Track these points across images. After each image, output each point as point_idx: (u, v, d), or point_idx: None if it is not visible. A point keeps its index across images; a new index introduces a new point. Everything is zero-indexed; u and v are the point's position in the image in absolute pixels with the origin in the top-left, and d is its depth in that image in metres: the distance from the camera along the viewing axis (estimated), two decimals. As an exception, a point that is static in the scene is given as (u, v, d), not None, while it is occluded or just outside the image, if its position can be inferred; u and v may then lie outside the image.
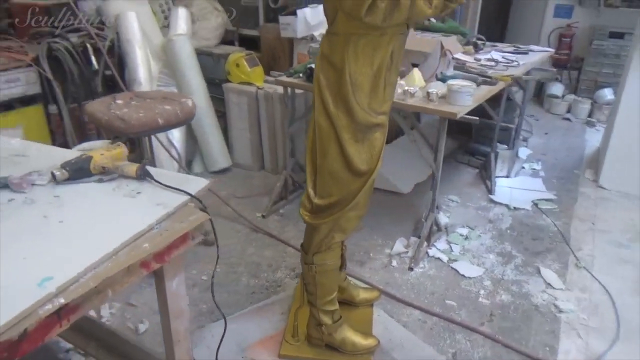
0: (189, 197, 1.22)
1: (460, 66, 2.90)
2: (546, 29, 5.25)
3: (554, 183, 3.35)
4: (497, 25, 5.52)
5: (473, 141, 3.73)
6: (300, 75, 2.62)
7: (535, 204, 3.04)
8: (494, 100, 2.84)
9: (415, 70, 2.46)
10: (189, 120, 2.21)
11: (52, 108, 2.76)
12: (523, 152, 3.81)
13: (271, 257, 2.48)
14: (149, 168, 1.33)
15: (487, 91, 2.46)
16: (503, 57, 3.20)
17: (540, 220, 2.87)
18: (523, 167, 3.58)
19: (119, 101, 2.22)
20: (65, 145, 2.76)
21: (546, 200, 3.10)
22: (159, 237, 1.08)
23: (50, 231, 1.07)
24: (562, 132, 4.42)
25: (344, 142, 1.35)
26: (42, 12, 2.78)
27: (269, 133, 3.30)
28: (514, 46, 3.56)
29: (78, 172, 1.31)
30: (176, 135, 3.26)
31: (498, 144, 3.42)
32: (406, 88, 2.24)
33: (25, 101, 2.70)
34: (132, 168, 1.32)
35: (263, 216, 2.84)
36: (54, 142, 2.81)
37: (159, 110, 2.11)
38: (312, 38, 3.36)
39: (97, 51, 2.83)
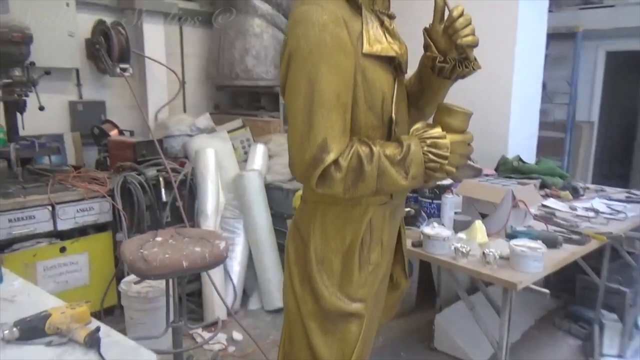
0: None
1: (548, 217, 2.49)
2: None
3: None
4: (618, 163, 4.91)
5: (576, 302, 3.09)
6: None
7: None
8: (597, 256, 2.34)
9: (478, 223, 2.13)
10: (217, 264, 2.11)
11: (119, 236, 2.88)
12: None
13: None
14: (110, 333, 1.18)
15: (570, 253, 2.02)
16: (608, 207, 2.71)
17: None
18: (644, 344, 2.82)
19: (159, 238, 2.21)
20: (122, 275, 2.82)
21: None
22: None
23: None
24: None
25: (310, 332, 1.08)
26: (130, 148, 3.06)
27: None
28: (629, 192, 3.03)
29: (30, 331, 1.21)
30: (235, 269, 3.19)
31: (606, 312, 2.77)
32: (457, 245, 1.91)
33: (97, 228, 2.87)
34: (83, 333, 1.19)
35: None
36: (117, 269, 2.90)
37: (187, 252, 2.04)
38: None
39: (169, 184, 2.97)
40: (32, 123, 2.93)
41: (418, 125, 1.02)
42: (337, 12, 0.98)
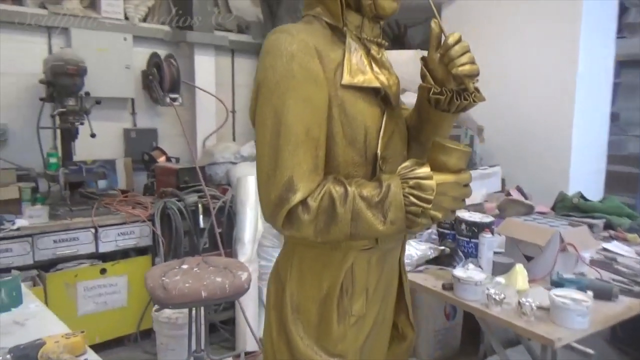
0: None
1: (607, 262, 2.22)
2: None
3: None
4: None
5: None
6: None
7: None
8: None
9: (519, 267, 1.93)
10: (237, 295, 2.07)
11: (157, 260, 2.93)
12: None
13: None
14: None
15: (626, 307, 1.76)
16: (685, 253, 2.38)
17: None
18: None
19: (185, 266, 2.21)
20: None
21: None
22: None
23: None
24: None
25: None
26: (173, 174, 3.13)
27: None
28: None
29: (22, 359, 1.22)
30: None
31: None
32: (491, 291, 1.73)
33: (137, 251, 2.94)
34: (69, 366, 1.17)
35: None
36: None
37: (207, 281, 2.01)
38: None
39: (207, 210, 3.00)
40: (88, 149, 3.10)
41: (407, 163, 0.92)
42: (310, 41, 0.92)
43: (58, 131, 2.92)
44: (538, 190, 3.10)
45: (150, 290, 1.98)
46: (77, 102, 2.76)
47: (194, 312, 2.14)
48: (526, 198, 2.93)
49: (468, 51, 0.95)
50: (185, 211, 2.94)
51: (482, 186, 2.94)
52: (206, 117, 3.73)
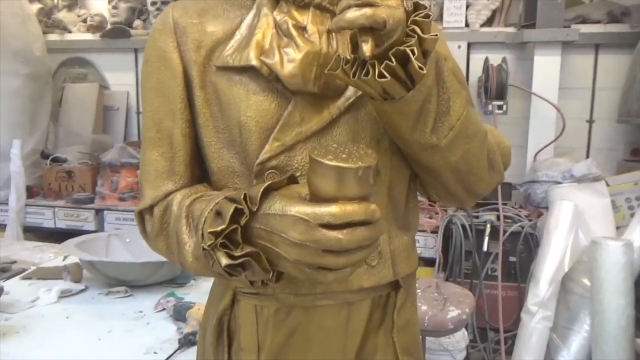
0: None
1: None
2: None
3: None
4: None
5: None
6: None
7: None
8: None
9: None
10: (434, 333, 1.78)
11: (438, 274, 2.80)
12: None
13: None
14: None
15: None
16: None
17: None
18: None
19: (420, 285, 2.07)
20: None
21: None
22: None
23: None
24: None
25: None
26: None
27: None
28: None
29: None
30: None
31: None
32: None
33: (423, 261, 2.90)
34: None
35: None
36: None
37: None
38: None
39: (495, 234, 2.62)
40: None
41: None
42: (174, 15, 0.72)
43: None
44: None
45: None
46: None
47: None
48: None
49: None
50: (470, 229, 2.67)
51: None
52: (542, 127, 3.18)
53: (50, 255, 2.16)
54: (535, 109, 3.20)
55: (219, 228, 0.57)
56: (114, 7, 3.76)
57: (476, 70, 3.35)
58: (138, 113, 3.91)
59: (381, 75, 0.55)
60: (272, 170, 0.69)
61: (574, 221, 2.58)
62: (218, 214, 0.60)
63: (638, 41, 2.99)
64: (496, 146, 0.79)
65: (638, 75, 2.87)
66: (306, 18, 0.69)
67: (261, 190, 0.57)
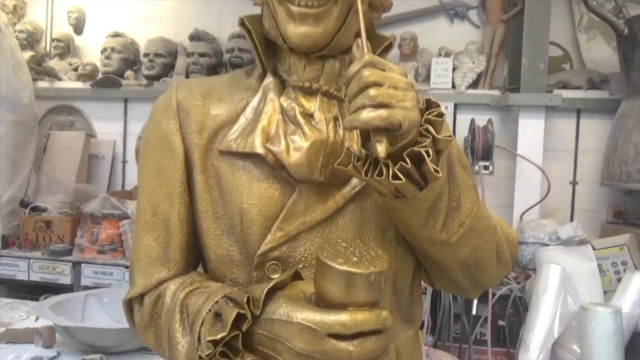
0: None
1: None
2: None
3: None
4: None
5: None
6: None
7: None
8: None
9: None
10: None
11: (427, 339, 2.73)
12: None
13: None
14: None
15: None
16: None
17: None
18: None
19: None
20: None
21: None
22: None
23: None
24: None
25: None
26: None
27: None
28: None
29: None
30: None
31: None
32: None
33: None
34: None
35: None
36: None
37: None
38: None
39: (483, 297, 2.58)
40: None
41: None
42: (178, 96, 0.71)
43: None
44: None
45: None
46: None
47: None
48: None
49: (373, 84, 0.52)
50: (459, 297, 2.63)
51: None
52: (527, 188, 3.22)
53: (22, 315, 2.05)
54: (521, 170, 3.25)
55: (219, 336, 0.53)
56: (107, 57, 3.79)
57: (462, 131, 3.42)
58: (124, 162, 3.87)
59: (395, 177, 0.54)
60: (274, 262, 0.65)
61: (562, 285, 2.57)
62: (217, 315, 0.56)
63: (618, 107, 3.10)
64: (505, 238, 0.77)
65: (619, 141, 2.95)
66: (314, 105, 0.68)
67: (265, 291, 0.54)
